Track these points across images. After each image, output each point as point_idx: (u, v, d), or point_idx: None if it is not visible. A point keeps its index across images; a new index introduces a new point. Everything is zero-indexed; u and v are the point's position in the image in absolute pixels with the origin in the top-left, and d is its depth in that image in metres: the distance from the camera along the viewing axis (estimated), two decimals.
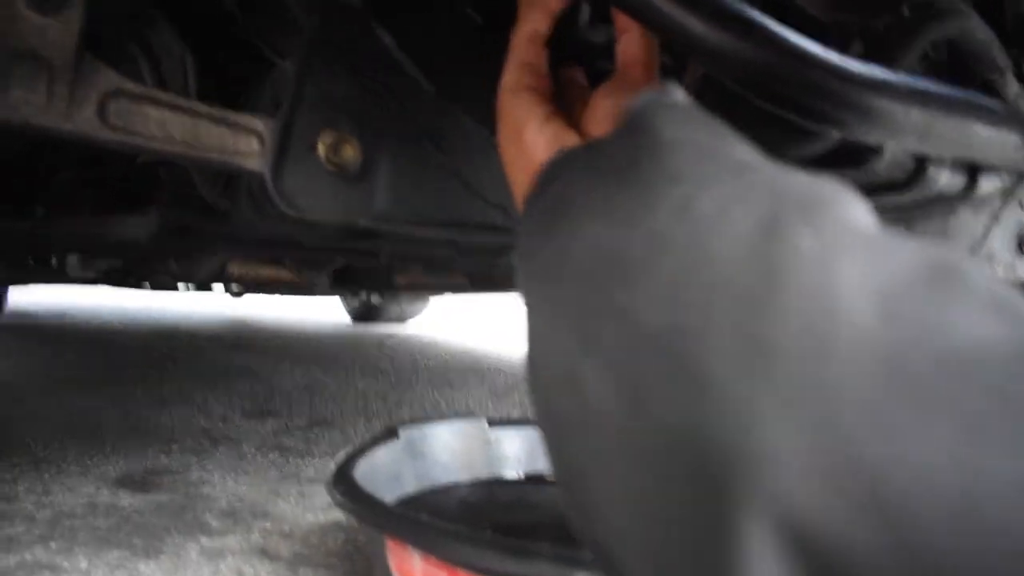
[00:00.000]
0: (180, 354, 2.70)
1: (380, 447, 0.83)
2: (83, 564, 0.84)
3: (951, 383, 0.24)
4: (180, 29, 0.84)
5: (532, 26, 0.60)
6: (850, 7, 0.69)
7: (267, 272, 2.17)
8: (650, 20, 0.55)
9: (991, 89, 0.77)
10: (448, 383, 2.32)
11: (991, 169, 0.84)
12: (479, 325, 4.39)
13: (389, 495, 0.79)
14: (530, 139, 0.55)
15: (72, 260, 2.03)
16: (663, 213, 0.32)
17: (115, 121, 0.67)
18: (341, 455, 0.79)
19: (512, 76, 0.59)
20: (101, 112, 0.66)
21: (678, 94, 0.43)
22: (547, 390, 0.36)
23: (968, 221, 1.22)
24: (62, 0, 0.61)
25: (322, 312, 4.88)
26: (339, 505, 0.68)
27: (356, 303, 4.42)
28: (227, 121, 0.70)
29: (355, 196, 0.71)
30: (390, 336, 3.74)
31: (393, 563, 0.61)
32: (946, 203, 1.05)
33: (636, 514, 0.31)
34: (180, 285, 2.47)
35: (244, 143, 0.70)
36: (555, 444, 0.36)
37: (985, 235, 1.23)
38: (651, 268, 0.31)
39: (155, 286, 2.43)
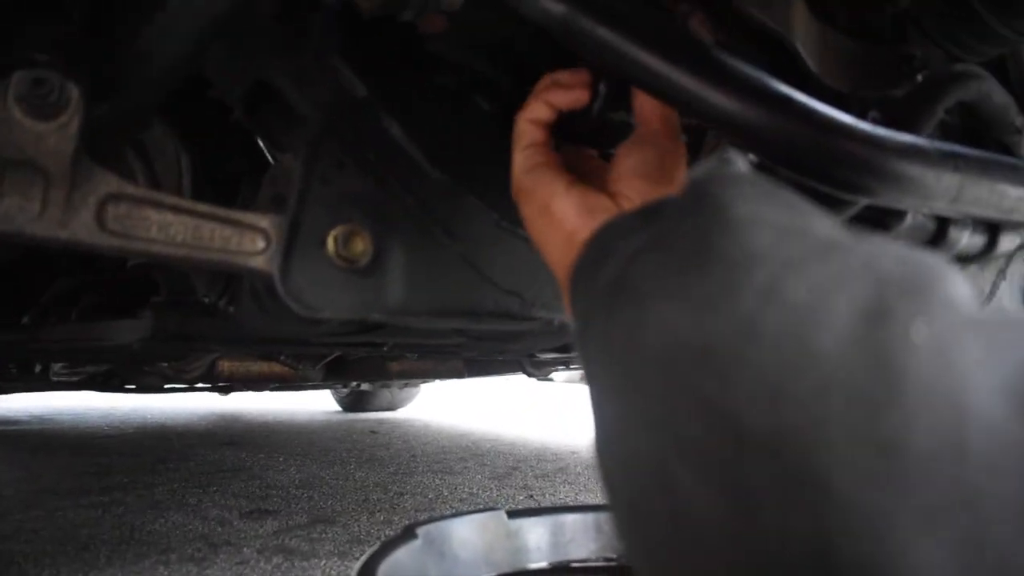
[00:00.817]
0: (171, 455, 2.62)
1: (399, 548, 0.79)
2: None
3: None
4: (174, 127, 0.83)
5: (535, 114, 0.60)
6: (869, 79, 0.69)
7: (258, 368, 2.13)
8: (676, 100, 0.54)
9: (1006, 150, 0.77)
10: (447, 469, 2.26)
11: (1011, 228, 0.83)
12: (471, 406, 4.34)
13: None
14: (559, 208, 0.55)
15: (56, 366, 1.99)
16: (749, 298, 0.30)
17: (114, 226, 0.64)
18: (362, 560, 0.75)
19: (522, 157, 0.59)
20: (99, 217, 0.64)
21: (741, 163, 0.42)
22: (632, 485, 0.34)
23: (976, 278, 1.22)
24: (60, 105, 0.59)
25: (311, 402, 4.81)
26: None
27: (346, 392, 4.36)
28: (231, 220, 0.67)
29: (367, 290, 0.69)
30: (381, 422, 3.67)
31: None
32: (959, 262, 1.04)
33: None
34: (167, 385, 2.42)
35: (249, 242, 0.68)
36: (639, 542, 0.34)
37: (993, 291, 1.23)
38: (744, 362, 0.29)
39: (141, 388, 2.38)
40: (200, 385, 2.41)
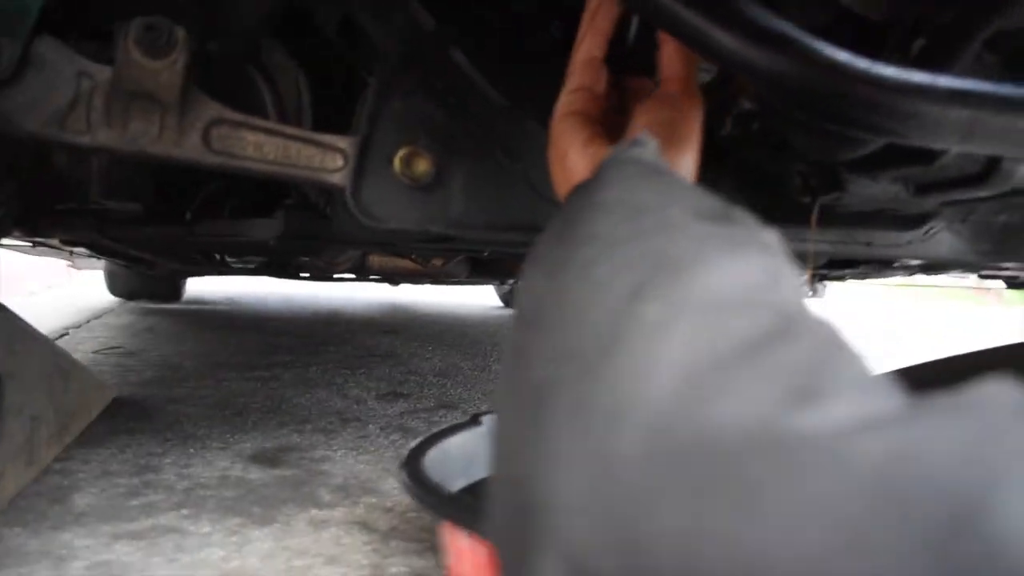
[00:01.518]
0: (334, 339, 2.87)
1: (460, 433, 0.90)
2: (206, 529, 0.96)
3: (698, 466, 0.25)
4: (293, 56, 0.93)
5: (587, 51, 0.64)
6: (907, 5, 0.69)
7: (403, 264, 2.29)
8: (686, 36, 0.58)
9: None
10: None
11: None
12: None
13: (461, 479, 0.86)
14: (572, 161, 0.59)
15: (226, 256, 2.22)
16: (570, 273, 0.36)
17: (217, 146, 0.76)
18: (419, 439, 0.87)
19: (565, 100, 0.63)
20: (206, 138, 0.76)
21: (649, 147, 0.47)
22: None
23: None
24: (170, 46, 0.71)
25: (477, 298, 5.04)
26: (402, 485, 0.76)
27: (506, 289, 4.55)
28: (314, 141, 0.78)
29: (430, 205, 0.78)
30: None
31: (447, 538, 0.68)
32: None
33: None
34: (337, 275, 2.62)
35: (330, 160, 0.78)
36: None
37: None
38: (547, 323, 0.35)
39: (313, 276, 2.60)
40: (372, 277, 2.61)
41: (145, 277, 3.72)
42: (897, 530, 0.22)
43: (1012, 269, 1.45)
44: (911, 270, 1.35)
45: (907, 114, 0.58)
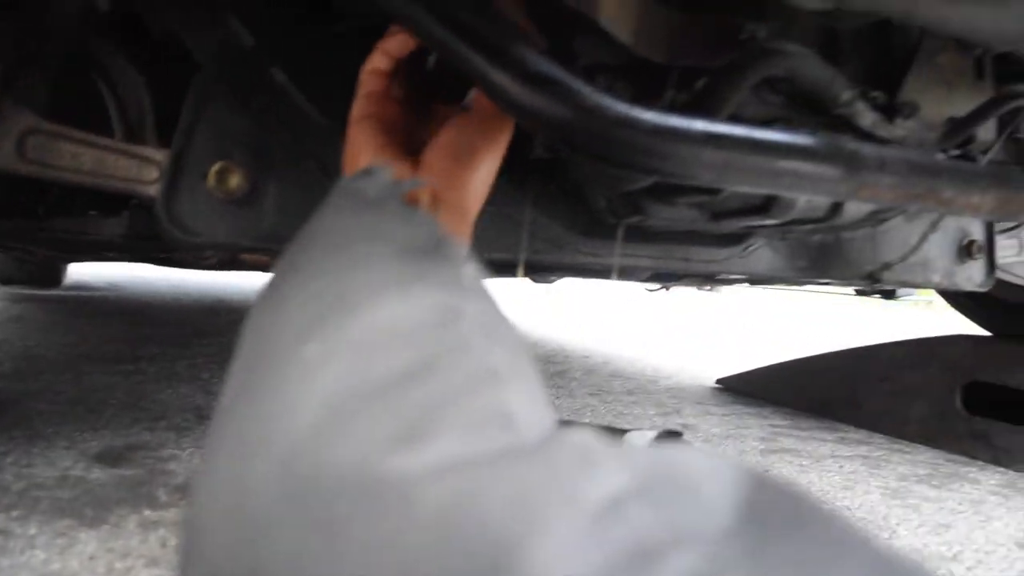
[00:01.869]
0: (211, 329, 2.84)
1: None
2: (32, 531, 0.96)
3: (310, 503, 0.28)
4: (136, 65, 0.93)
5: (374, 63, 0.67)
6: (687, 50, 0.74)
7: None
8: (468, 71, 0.62)
9: (845, 121, 0.81)
10: None
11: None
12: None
13: None
14: (364, 163, 0.61)
15: None
16: (269, 304, 0.39)
17: (32, 155, 0.77)
18: None
19: (357, 106, 0.66)
20: (20, 148, 0.77)
21: (379, 176, 0.49)
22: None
23: (901, 229, 1.25)
24: None
25: None
26: None
27: None
28: (130, 152, 0.79)
29: (242, 220, 0.80)
30: None
31: None
32: (870, 218, 1.09)
33: None
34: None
35: (146, 172, 0.80)
36: None
37: (920, 243, 1.27)
38: (242, 353, 0.38)
39: (190, 266, 2.56)
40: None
41: (22, 261, 3.61)
42: (452, 571, 0.24)
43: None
44: (738, 281, 1.43)
45: (665, 154, 0.63)
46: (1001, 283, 1.73)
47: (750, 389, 2.25)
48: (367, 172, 0.50)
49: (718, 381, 2.39)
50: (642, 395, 2.15)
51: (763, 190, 0.79)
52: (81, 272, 4.52)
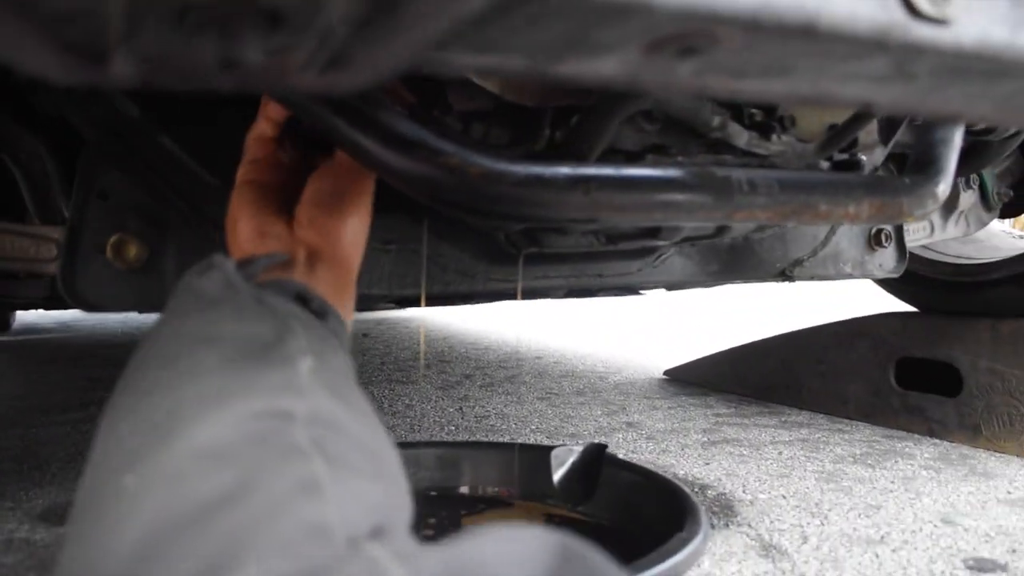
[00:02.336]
0: None
1: None
2: None
3: None
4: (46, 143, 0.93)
5: (258, 130, 0.69)
6: (557, 96, 0.76)
7: None
8: (342, 143, 0.64)
9: (725, 145, 0.84)
10: (407, 377, 2.42)
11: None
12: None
13: None
14: (241, 229, 0.64)
15: None
16: (104, 426, 0.40)
17: None
18: None
19: (241, 171, 0.68)
20: None
21: (221, 270, 0.49)
22: None
23: (808, 227, 1.29)
24: None
25: None
26: None
27: None
28: (27, 233, 0.80)
29: (144, 287, 0.81)
30: (379, 322, 3.85)
31: None
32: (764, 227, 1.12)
33: None
34: None
35: (45, 250, 0.81)
36: None
37: (829, 237, 1.30)
38: (88, 469, 0.38)
39: None
40: None
41: None
42: None
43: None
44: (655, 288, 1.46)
45: (533, 202, 0.65)
46: (923, 260, 1.79)
47: (696, 378, 2.29)
48: (206, 266, 0.50)
49: (665, 373, 2.43)
50: (591, 395, 2.19)
51: (640, 223, 0.82)
52: (31, 315, 4.47)
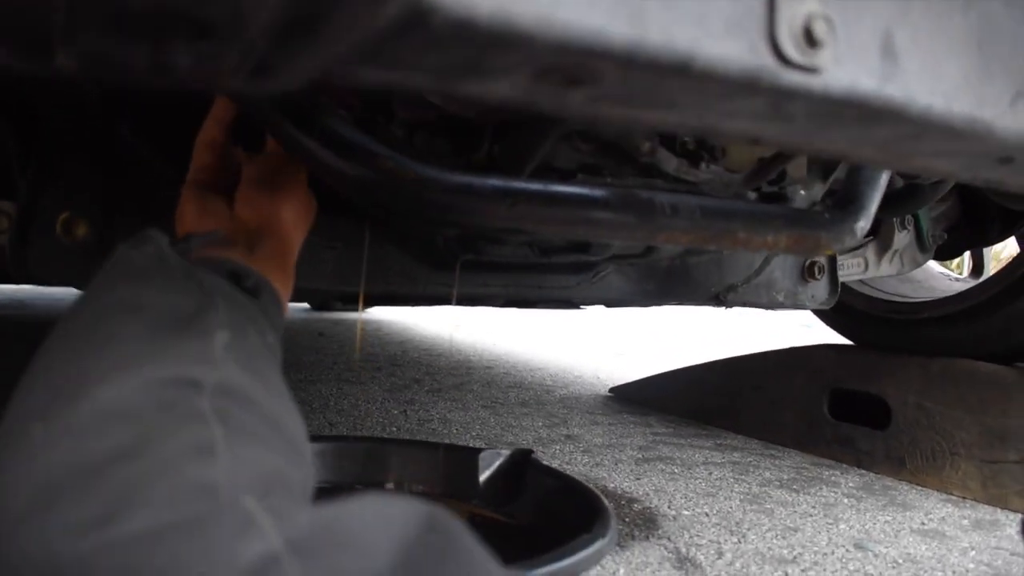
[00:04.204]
0: None
1: None
2: None
3: None
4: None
5: (207, 134, 0.73)
6: (492, 112, 0.79)
7: None
8: (285, 141, 0.68)
9: (655, 168, 0.88)
10: (354, 378, 2.44)
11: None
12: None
13: None
14: (185, 208, 0.69)
15: None
16: (27, 375, 0.41)
17: None
18: None
19: (192, 171, 0.73)
20: None
21: (152, 244, 0.51)
22: None
23: (745, 252, 1.34)
24: None
25: None
26: None
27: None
28: None
29: (92, 265, 0.84)
30: (336, 323, 3.86)
31: None
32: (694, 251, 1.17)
33: None
34: None
35: None
36: None
37: (763, 265, 1.35)
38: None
39: None
40: None
41: None
42: None
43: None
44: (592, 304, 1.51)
45: (462, 209, 0.69)
46: (860, 296, 1.85)
47: (640, 397, 2.34)
48: (140, 239, 0.52)
49: (611, 390, 2.48)
50: (535, 406, 2.23)
51: (566, 237, 0.86)
52: None
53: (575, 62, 0.36)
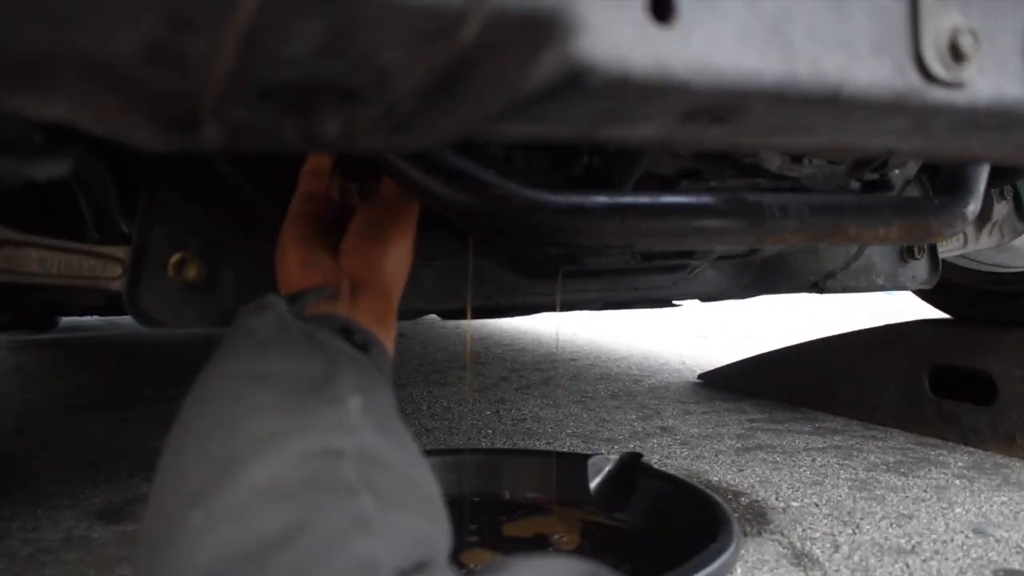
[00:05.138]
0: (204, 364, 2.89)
1: None
2: None
3: None
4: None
5: (313, 162, 0.73)
6: None
7: None
8: (392, 173, 0.68)
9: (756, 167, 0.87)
10: (443, 379, 2.46)
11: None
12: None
13: None
14: (288, 257, 0.67)
15: None
16: (169, 455, 0.43)
17: (2, 264, 0.83)
18: None
19: (294, 203, 0.72)
20: None
21: (274, 309, 0.52)
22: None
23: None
24: None
25: None
26: None
27: None
28: (94, 253, 0.85)
29: (204, 305, 0.86)
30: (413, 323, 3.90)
31: None
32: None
33: None
34: None
35: (110, 269, 0.86)
36: None
37: (862, 249, 1.32)
38: (152, 497, 0.41)
39: None
40: None
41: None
42: None
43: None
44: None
45: (572, 230, 0.69)
46: (959, 269, 1.80)
47: (730, 383, 2.31)
48: (261, 306, 0.53)
49: (700, 376, 2.45)
50: (625, 398, 2.22)
51: (675, 248, 0.85)
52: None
53: (727, 104, 0.35)
